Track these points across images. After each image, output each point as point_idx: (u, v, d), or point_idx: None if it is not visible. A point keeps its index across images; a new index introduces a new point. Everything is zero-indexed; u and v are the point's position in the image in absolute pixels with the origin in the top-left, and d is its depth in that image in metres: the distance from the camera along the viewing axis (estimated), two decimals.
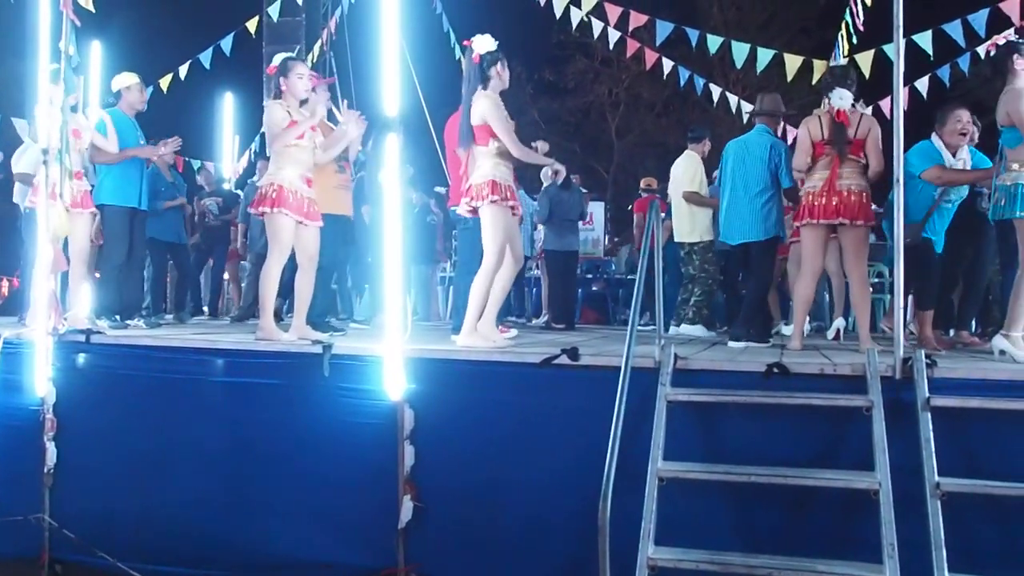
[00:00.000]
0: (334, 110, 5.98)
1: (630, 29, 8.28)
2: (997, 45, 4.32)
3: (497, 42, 4.69)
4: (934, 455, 3.29)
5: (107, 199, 6.06)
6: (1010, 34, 4.40)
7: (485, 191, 4.57)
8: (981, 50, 7.40)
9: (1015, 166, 4.20)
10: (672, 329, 6.81)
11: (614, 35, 8.57)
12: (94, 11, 5.61)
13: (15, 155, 6.65)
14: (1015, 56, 4.24)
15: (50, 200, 5.03)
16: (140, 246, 6.32)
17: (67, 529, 4.64)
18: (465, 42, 4.76)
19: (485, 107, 4.58)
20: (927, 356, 3.62)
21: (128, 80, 6.18)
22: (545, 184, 7.99)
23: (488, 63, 4.67)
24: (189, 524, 4.50)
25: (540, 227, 8.19)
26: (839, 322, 6.80)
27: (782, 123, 6.47)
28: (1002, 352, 4.20)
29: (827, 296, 7.35)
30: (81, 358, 4.87)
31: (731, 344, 5.27)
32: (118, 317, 5.94)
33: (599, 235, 11.87)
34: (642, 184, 9.33)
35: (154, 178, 6.95)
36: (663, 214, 8.11)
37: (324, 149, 5.17)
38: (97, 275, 6.96)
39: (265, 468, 4.43)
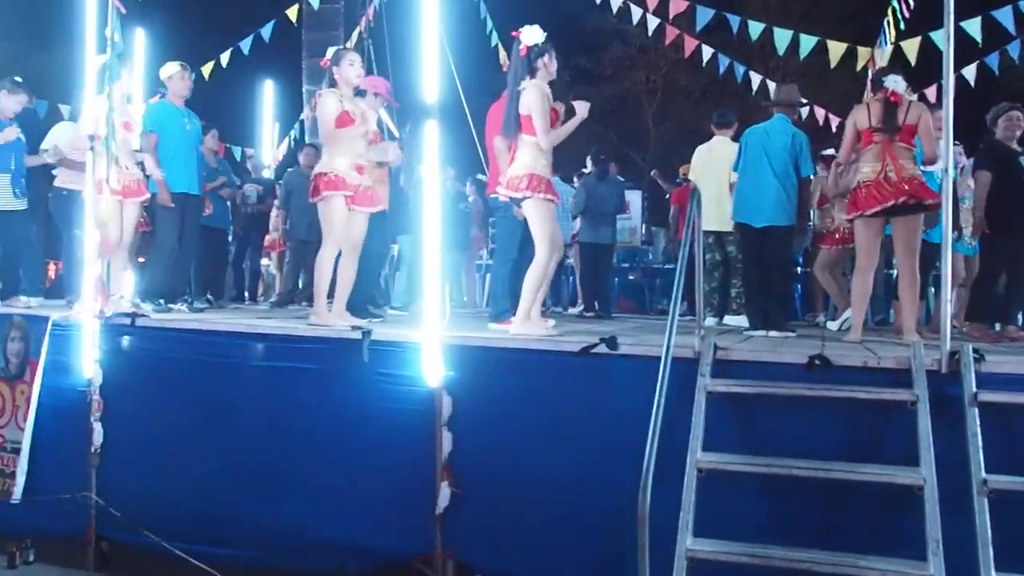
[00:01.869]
0: (383, 115, 6.02)
1: (671, 16, 8.18)
2: None
3: (545, 33, 4.68)
4: (981, 451, 3.23)
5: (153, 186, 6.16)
6: None
7: (523, 183, 4.60)
8: None
9: None
10: (709, 320, 6.77)
11: (653, 22, 8.49)
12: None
13: (52, 133, 6.69)
14: None
15: (96, 188, 5.12)
16: (192, 232, 6.39)
17: (113, 508, 4.74)
18: (513, 32, 4.75)
19: (532, 97, 4.60)
20: (975, 350, 3.55)
21: (172, 69, 6.27)
22: (585, 173, 7.96)
23: (536, 54, 4.67)
24: (229, 505, 4.58)
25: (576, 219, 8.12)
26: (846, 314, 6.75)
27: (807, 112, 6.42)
28: None
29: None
30: (126, 341, 4.97)
31: (746, 332, 5.37)
32: (162, 301, 6.03)
33: (636, 224, 11.78)
34: (681, 172, 9.17)
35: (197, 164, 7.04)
36: None
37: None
38: (141, 260, 7.08)
39: (304, 452, 4.49)
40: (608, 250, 7.92)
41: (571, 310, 8.48)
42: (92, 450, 4.86)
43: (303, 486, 4.48)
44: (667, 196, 9.81)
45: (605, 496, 3.80)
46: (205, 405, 4.74)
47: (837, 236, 6.87)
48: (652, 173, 10.60)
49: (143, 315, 5.21)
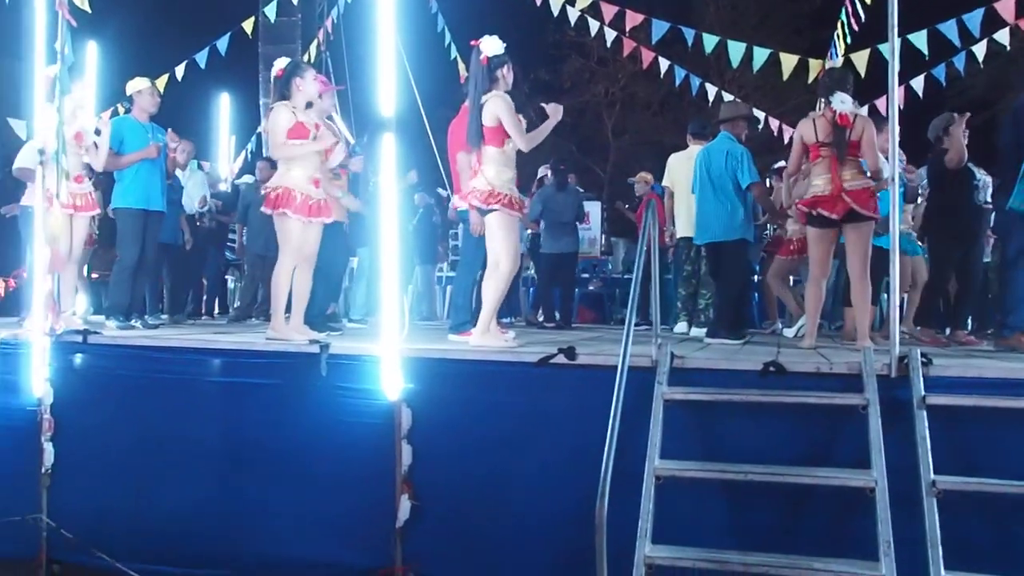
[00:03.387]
0: (335, 117, 6.02)
1: (626, 28, 8.29)
2: None
3: (504, 44, 4.71)
4: (930, 453, 3.31)
5: (120, 202, 6.09)
6: None
7: (484, 197, 4.62)
8: (979, 49, 7.44)
9: None
10: (681, 326, 6.88)
11: (610, 34, 8.59)
12: (90, 11, 5.60)
13: (19, 154, 6.61)
14: None
15: (46, 201, 5.03)
16: (152, 248, 6.31)
17: (65, 529, 4.63)
18: (473, 42, 4.77)
19: (498, 107, 4.62)
20: (923, 354, 3.63)
21: (139, 85, 6.21)
22: (542, 182, 8.00)
23: (496, 65, 4.70)
24: (186, 524, 4.51)
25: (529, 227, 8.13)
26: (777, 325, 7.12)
27: (762, 124, 6.54)
28: None
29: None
30: (78, 358, 4.87)
31: (706, 340, 5.52)
32: (122, 318, 5.94)
33: (595, 235, 11.87)
34: (638, 180, 9.12)
35: None
36: None
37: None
38: (94, 276, 6.96)
39: (262, 468, 4.44)
40: (570, 259, 7.95)
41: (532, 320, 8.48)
42: (43, 471, 4.75)
43: (261, 503, 4.42)
44: (627, 207, 9.88)
45: (565, 505, 3.81)
46: (160, 423, 4.66)
47: (791, 247, 6.99)
48: (616, 205, 10.71)
49: (95, 332, 5.11)
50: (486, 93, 4.67)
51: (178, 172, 7.73)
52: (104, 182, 6.72)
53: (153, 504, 4.59)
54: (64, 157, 5.23)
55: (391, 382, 4.14)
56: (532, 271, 8.81)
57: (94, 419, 4.77)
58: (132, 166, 6.02)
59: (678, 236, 7.09)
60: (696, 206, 6.01)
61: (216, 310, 9.10)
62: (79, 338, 4.94)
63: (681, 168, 7.07)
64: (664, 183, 7.32)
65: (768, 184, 7.84)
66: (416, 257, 8.74)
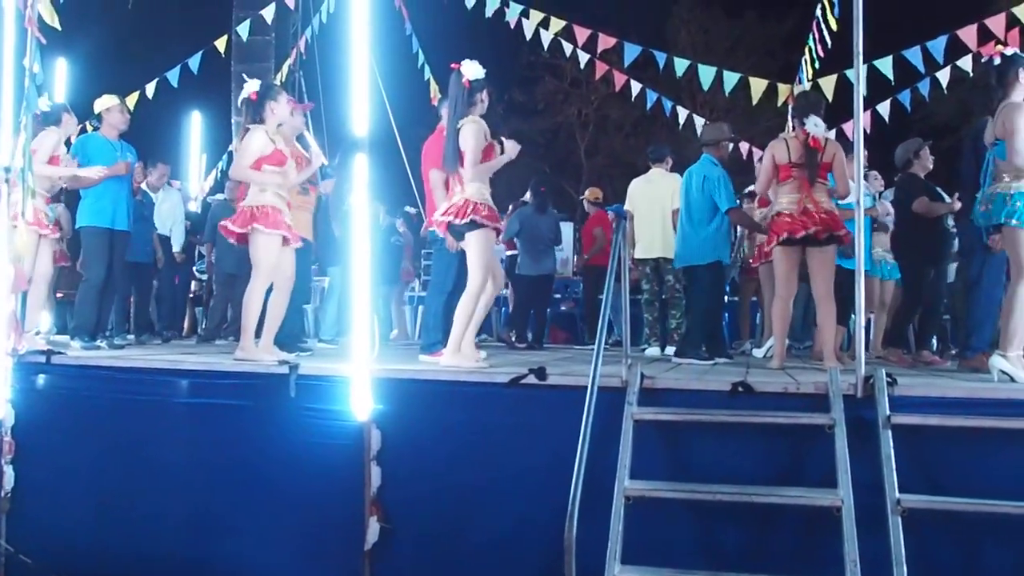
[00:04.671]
0: (306, 134, 6.01)
1: (598, 51, 8.37)
2: (1003, 55, 4.35)
3: (485, 70, 4.74)
4: (895, 472, 3.34)
5: (86, 220, 6.02)
6: (1006, 48, 4.44)
7: (468, 211, 4.61)
8: (943, 75, 7.60)
9: (1005, 177, 4.19)
10: (654, 350, 6.90)
11: (583, 57, 8.67)
12: (59, 29, 5.55)
13: None
14: (1019, 70, 4.28)
15: (12, 220, 4.95)
16: (119, 267, 6.24)
17: (24, 555, 4.53)
18: (453, 65, 4.79)
19: (469, 132, 4.65)
20: (888, 375, 3.68)
21: (108, 103, 6.16)
22: (521, 202, 8.03)
23: (476, 89, 4.73)
24: (153, 548, 4.43)
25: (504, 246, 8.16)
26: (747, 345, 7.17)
27: (732, 146, 6.63)
28: (1002, 373, 4.10)
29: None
30: (41, 379, 4.79)
31: (675, 360, 5.57)
32: (88, 338, 5.86)
33: (568, 255, 11.90)
34: (589, 196, 9.15)
35: None
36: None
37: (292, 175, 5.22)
38: (59, 295, 6.86)
39: (230, 490, 4.38)
40: (549, 280, 8.00)
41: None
42: (2, 494, 4.64)
43: (228, 525, 4.36)
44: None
45: (536, 526, 3.79)
46: (125, 445, 4.59)
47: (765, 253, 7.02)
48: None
49: (59, 352, 5.03)
50: (463, 117, 4.70)
51: (151, 193, 7.69)
52: (71, 200, 6.65)
53: (118, 527, 4.51)
54: (30, 175, 5.15)
55: (360, 403, 4.11)
56: (506, 291, 8.80)
57: (57, 441, 4.68)
58: (98, 184, 5.94)
59: (637, 257, 7.13)
60: (678, 229, 6.10)
61: (184, 330, 8.98)
62: (42, 359, 4.86)
63: (639, 192, 7.16)
64: (626, 207, 7.37)
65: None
66: (378, 278, 8.70)
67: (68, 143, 6.08)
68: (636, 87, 8.96)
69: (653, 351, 6.98)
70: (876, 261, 6.60)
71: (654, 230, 6.98)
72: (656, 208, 7.03)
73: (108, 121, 6.17)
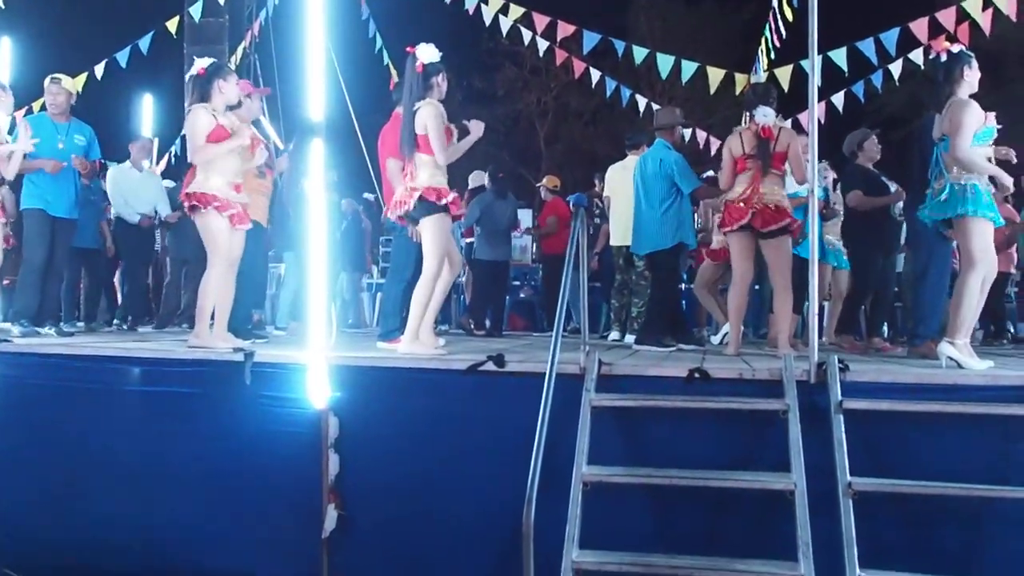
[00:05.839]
0: (262, 120, 5.92)
1: (558, 39, 8.37)
2: (949, 52, 4.42)
3: (440, 54, 4.69)
4: (846, 456, 3.41)
5: (26, 203, 5.88)
6: (952, 45, 4.52)
7: (422, 197, 4.57)
8: (896, 67, 7.74)
9: (954, 169, 4.24)
10: (615, 335, 6.93)
11: (543, 44, 8.66)
12: (3, 7, 5.38)
13: None
14: (964, 67, 4.34)
15: None
16: (62, 253, 6.08)
17: None
18: (408, 49, 4.73)
19: (428, 115, 4.59)
20: (840, 361, 3.75)
21: (45, 83, 5.98)
22: (473, 187, 7.99)
23: (431, 73, 4.67)
24: (107, 539, 4.34)
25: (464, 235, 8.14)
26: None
27: (689, 135, 6.67)
28: (950, 359, 4.17)
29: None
30: None
31: (634, 347, 5.57)
32: (25, 322, 5.70)
33: (526, 242, 11.92)
34: (548, 184, 9.15)
35: None
36: (598, 220, 8.21)
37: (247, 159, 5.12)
38: (5, 282, 6.68)
39: (184, 479, 4.30)
40: (505, 267, 8.01)
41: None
42: None
43: (183, 515, 4.29)
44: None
45: (494, 512, 3.80)
46: (76, 434, 4.48)
47: (715, 253, 7.10)
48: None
49: (6, 339, 4.89)
50: (419, 100, 4.65)
51: (135, 170, 7.44)
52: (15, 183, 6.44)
53: (69, 519, 4.40)
54: None
55: (317, 390, 4.07)
56: (463, 278, 8.77)
57: (5, 432, 4.55)
58: (38, 169, 5.79)
59: (612, 244, 7.16)
60: (633, 216, 6.06)
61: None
62: None
63: (618, 178, 7.17)
64: (605, 194, 7.40)
65: None
66: (343, 264, 8.62)
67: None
68: (596, 75, 8.99)
69: (614, 335, 7.03)
70: (828, 248, 6.71)
71: (629, 217, 6.99)
72: (631, 195, 7.00)
73: (47, 102, 5.99)
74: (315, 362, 4.10)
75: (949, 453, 3.52)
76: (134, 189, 7.41)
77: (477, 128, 4.82)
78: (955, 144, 4.16)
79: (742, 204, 5.01)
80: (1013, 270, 8.19)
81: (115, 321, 7.82)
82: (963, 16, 6.90)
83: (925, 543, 3.52)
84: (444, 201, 4.58)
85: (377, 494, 4.07)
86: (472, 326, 7.67)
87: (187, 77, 5.00)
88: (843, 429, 3.48)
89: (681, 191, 5.69)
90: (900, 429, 3.60)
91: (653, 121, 6.25)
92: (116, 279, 8.79)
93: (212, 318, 4.91)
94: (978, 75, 4.38)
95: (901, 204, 5.91)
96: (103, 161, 7.28)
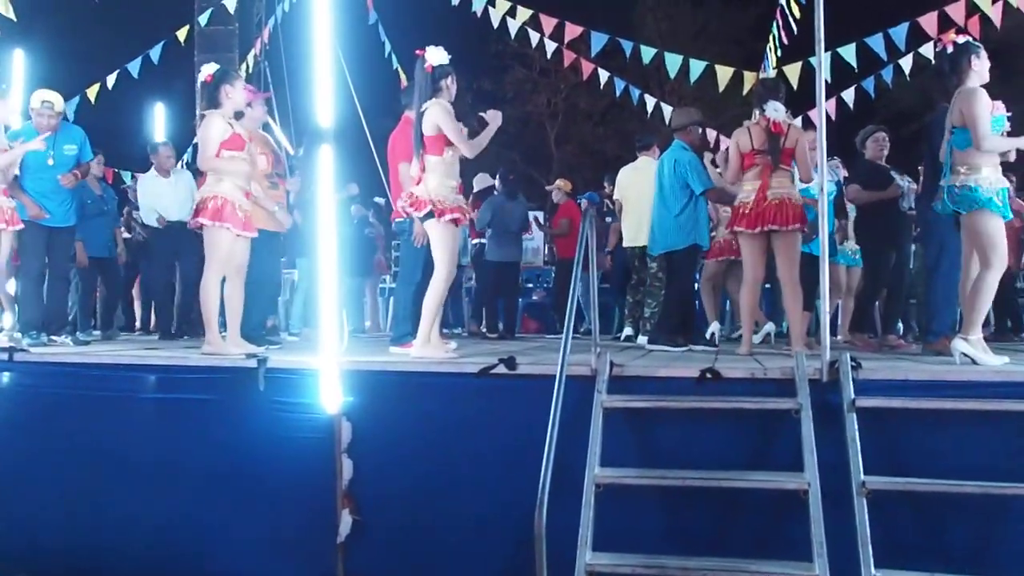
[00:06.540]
0: (271, 123, 5.95)
1: (566, 40, 8.37)
2: (955, 43, 4.39)
3: (450, 56, 4.70)
4: (860, 454, 3.40)
5: (23, 213, 5.85)
6: (958, 36, 4.49)
7: (426, 207, 4.58)
8: (906, 62, 7.70)
9: (962, 169, 4.21)
10: (633, 334, 6.92)
11: (551, 46, 8.67)
12: (15, 19, 5.44)
13: None
14: (972, 57, 4.30)
15: None
16: (61, 261, 6.12)
17: None
18: (417, 52, 4.75)
19: (438, 114, 4.58)
20: (852, 359, 3.73)
21: (34, 103, 5.93)
22: (478, 189, 8.01)
23: (440, 75, 4.68)
24: (122, 545, 4.38)
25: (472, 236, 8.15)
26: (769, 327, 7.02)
27: (702, 132, 6.65)
28: (964, 356, 4.13)
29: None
30: (3, 377, 4.70)
31: (647, 347, 5.58)
32: (35, 333, 5.74)
33: (539, 244, 11.94)
34: (563, 188, 9.09)
35: (80, 191, 6.73)
36: (609, 219, 8.21)
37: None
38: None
39: (199, 485, 4.33)
40: (514, 268, 8.01)
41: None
42: None
43: (198, 520, 4.32)
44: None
45: (508, 515, 3.79)
46: (92, 442, 4.51)
47: (718, 249, 7.05)
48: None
49: (22, 349, 4.94)
50: (428, 101, 4.66)
51: (162, 176, 7.43)
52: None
53: (86, 525, 4.45)
54: None
55: (330, 395, 4.09)
56: (472, 281, 8.79)
57: (21, 441, 4.60)
58: (28, 179, 5.81)
59: (626, 246, 7.15)
60: (651, 217, 6.07)
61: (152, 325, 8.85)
62: (4, 356, 4.77)
63: (629, 180, 7.16)
64: (615, 196, 7.41)
65: None
66: (350, 270, 8.63)
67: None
68: (604, 75, 8.99)
69: (627, 331, 7.03)
70: (839, 247, 6.67)
71: (642, 218, 6.99)
72: (643, 196, 6.91)
73: (36, 123, 5.90)
74: (328, 367, 4.12)
75: (964, 450, 3.49)
76: (162, 195, 7.31)
77: (495, 118, 4.78)
78: (978, 138, 4.09)
79: (755, 206, 4.95)
80: None
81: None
82: (973, 9, 6.86)
83: (940, 542, 3.50)
84: (447, 217, 4.56)
85: (391, 498, 4.08)
86: (483, 330, 7.67)
87: (199, 83, 5.03)
88: (856, 427, 3.46)
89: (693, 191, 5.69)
90: (914, 427, 3.58)
91: (664, 121, 6.25)
92: (135, 290, 8.85)
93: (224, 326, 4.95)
94: (987, 64, 4.34)
95: (912, 197, 5.88)
96: (115, 170, 7.34)
